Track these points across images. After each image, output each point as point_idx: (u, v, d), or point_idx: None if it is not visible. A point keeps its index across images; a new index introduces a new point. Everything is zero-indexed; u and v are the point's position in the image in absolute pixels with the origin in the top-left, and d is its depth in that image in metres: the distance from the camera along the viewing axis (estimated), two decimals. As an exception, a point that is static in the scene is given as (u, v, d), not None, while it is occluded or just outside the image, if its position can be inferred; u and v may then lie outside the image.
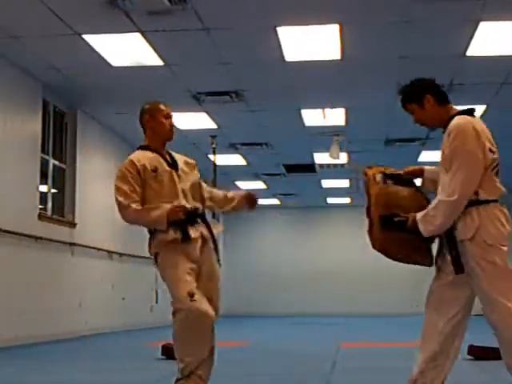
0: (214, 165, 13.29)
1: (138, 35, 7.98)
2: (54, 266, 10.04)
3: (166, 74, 9.32)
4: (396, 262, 3.74)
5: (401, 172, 3.75)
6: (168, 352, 6.65)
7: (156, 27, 7.75)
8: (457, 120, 3.53)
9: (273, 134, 12.90)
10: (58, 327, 9.88)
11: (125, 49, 8.48)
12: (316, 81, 9.69)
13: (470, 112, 3.64)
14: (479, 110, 11.03)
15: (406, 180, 3.74)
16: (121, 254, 12.58)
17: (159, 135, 4.19)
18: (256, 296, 21.87)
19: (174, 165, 4.14)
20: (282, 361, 6.88)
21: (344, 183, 17.90)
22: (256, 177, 17.25)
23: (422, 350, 3.56)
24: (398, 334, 11.30)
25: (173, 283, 3.90)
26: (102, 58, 8.72)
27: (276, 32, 7.91)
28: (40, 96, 9.71)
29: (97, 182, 11.76)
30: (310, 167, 15.87)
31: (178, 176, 4.10)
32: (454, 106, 3.70)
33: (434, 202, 3.49)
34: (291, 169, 16.12)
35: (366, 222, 3.64)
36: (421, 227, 3.46)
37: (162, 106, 4.21)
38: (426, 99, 3.64)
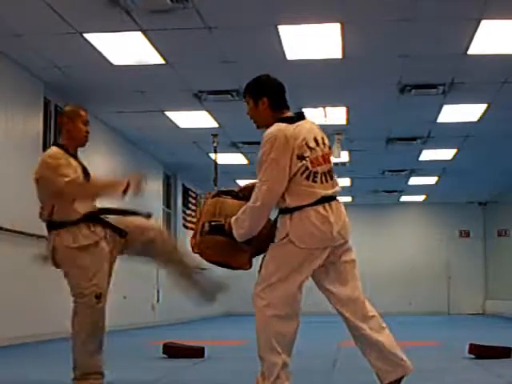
0: (215, 163, 13.30)
1: (139, 34, 7.98)
2: (55, 264, 10.03)
3: (167, 72, 9.32)
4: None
5: (235, 189, 3.96)
6: (169, 351, 6.66)
7: (157, 26, 7.75)
8: (270, 128, 3.67)
9: (274, 132, 12.88)
10: (60, 326, 9.83)
11: (126, 47, 8.47)
12: (317, 79, 9.69)
13: (299, 116, 3.72)
14: (480, 108, 10.99)
15: (241, 197, 3.88)
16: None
17: (74, 139, 4.37)
18: (256, 295, 21.84)
19: (87, 173, 4.38)
20: (283, 359, 6.85)
21: (345, 182, 17.88)
22: (257, 176, 17.23)
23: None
24: (395, 333, 11.28)
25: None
26: (104, 57, 8.72)
27: (277, 31, 7.91)
28: (41, 95, 9.70)
29: (98, 180, 11.73)
30: (311, 166, 15.84)
31: None
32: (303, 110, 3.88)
33: (243, 207, 3.63)
34: (292, 168, 16.08)
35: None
36: (234, 231, 3.62)
37: (83, 112, 4.42)
38: (262, 101, 3.81)
